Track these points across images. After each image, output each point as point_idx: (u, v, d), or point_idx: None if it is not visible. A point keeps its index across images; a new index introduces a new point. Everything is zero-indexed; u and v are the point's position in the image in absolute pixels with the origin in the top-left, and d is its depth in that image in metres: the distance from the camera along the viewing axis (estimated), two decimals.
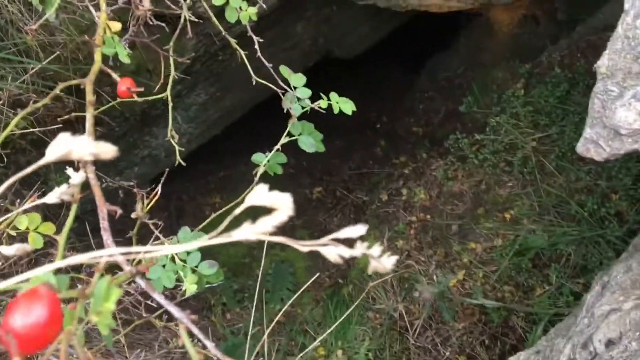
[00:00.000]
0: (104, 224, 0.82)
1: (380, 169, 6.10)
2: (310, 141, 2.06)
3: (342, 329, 4.39)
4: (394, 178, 5.46)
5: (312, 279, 3.14)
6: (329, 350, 4.43)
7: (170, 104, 1.69)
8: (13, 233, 1.44)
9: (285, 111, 2.01)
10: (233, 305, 4.84)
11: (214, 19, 2.12)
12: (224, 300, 4.91)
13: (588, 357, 2.52)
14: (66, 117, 1.80)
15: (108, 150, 0.58)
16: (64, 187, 0.90)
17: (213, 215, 1.74)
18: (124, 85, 1.12)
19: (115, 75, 1.15)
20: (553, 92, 4.48)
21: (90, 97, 1.02)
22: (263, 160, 1.97)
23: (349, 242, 0.61)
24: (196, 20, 2.00)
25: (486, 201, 4.55)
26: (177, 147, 1.70)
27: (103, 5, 1.24)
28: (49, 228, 1.50)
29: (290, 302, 2.98)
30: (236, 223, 0.62)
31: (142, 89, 1.20)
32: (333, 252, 0.57)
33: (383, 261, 0.61)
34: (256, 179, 1.99)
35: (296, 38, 5.54)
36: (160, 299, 0.72)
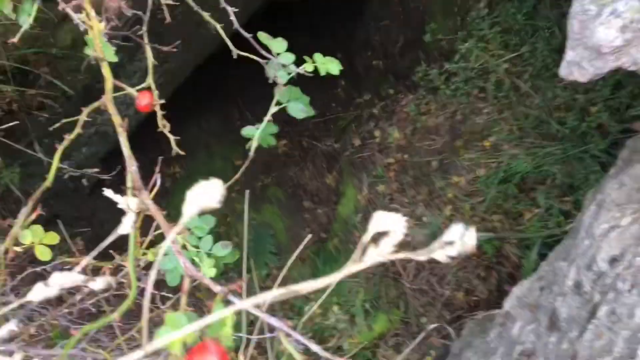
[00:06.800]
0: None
1: (344, 111, 6.16)
2: (299, 107, 2.14)
3: (335, 284, 4.57)
4: (364, 120, 5.56)
5: (305, 242, 3.25)
6: (325, 308, 4.62)
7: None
8: (18, 249, 1.50)
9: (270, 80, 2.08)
10: (217, 278, 4.94)
11: None
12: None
13: (594, 277, 2.75)
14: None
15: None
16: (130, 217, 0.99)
17: None
18: (145, 100, 1.17)
19: (132, 91, 1.20)
20: (520, 8, 4.59)
21: (117, 119, 1.07)
22: (255, 133, 2.05)
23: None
24: None
25: (464, 132, 4.72)
26: (171, 137, 1.75)
27: (92, 12, 1.27)
28: (52, 238, 1.55)
29: (285, 269, 3.10)
30: None
31: (163, 101, 1.25)
32: (444, 255, 0.68)
33: (466, 240, 0.70)
34: (250, 153, 2.07)
35: None
36: (267, 317, 0.82)
